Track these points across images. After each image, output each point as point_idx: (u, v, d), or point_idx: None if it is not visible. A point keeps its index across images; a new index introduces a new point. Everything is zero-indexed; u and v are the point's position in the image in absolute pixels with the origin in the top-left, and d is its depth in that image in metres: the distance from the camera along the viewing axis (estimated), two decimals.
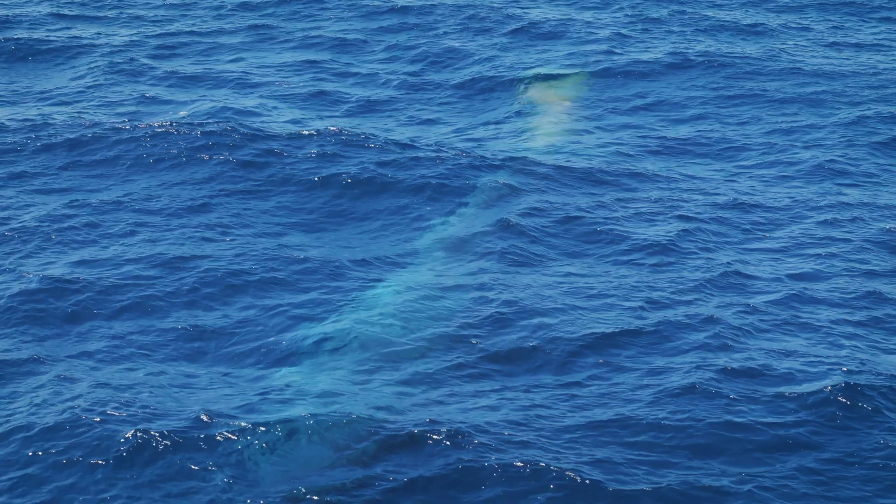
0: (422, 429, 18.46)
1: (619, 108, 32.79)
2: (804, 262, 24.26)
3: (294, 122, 31.41)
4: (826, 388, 19.54)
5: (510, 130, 31.35)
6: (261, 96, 33.25)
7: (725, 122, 31.69)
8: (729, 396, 19.49)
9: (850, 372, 20.14)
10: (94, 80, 33.93)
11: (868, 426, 18.84)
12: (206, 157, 28.35)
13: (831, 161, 29.10)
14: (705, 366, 20.36)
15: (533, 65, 35.54)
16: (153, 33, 38.46)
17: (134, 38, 37.83)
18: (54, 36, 37.71)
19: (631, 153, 29.74)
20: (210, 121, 30.53)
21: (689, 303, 22.43)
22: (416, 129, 31.50)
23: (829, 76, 34.59)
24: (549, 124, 31.70)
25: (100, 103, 32.30)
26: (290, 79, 34.67)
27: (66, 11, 40.45)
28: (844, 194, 27.49)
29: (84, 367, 20.50)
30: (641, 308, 22.22)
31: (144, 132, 29.32)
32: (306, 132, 30.25)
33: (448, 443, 18.23)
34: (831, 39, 38.34)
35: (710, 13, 40.99)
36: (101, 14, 40.49)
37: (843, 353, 20.90)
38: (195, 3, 41.79)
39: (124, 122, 30.38)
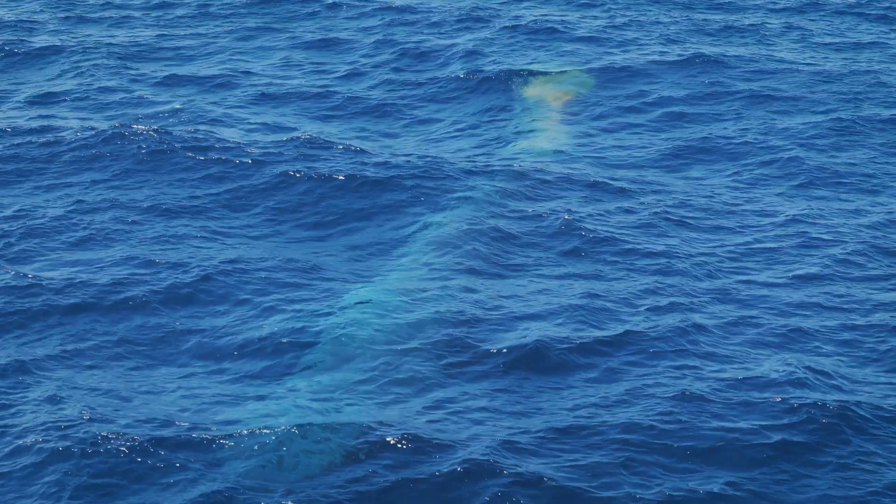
0: (406, 434, 18.33)
1: (615, 109, 32.59)
2: (799, 267, 23.96)
3: (282, 122, 31.25)
4: (817, 396, 19.39)
5: (503, 131, 31.17)
6: (248, 98, 33.07)
7: (722, 124, 31.44)
8: (717, 403, 19.31)
9: (841, 380, 20.00)
10: (78, 82, 33.74)
11: (856, 435, 18.69)
12: (188, 159, 28.12)
13: (830, 163, 28.90)
14: (692, 372, 20.20)
15: (527, 63, 35.37)
16: (138, 34, 38.32)
17: (117, 38, 37.63)
18: (40, 37, 37.56)
19: (625, 155, 29.52)
20: (194, 122, 30.40)
21: (678, 309, 22.20)
22: (407, 129, 31.32)
23: (828, 76, 34.43)
24: (543, 125, 31.53)
25: (81, 104, 32.09)
26: (279, 80, 34.46)
27: (52, 12, 40.28)
28: (842, 198, 27.25)
29: (61, 370, 20.38)
30: (630, 314, 22.01)
31: (126, 134, 29.07)
32: (293, 133, 30.13)
33: (431, 449, 18.11)
34: (829, 39, 38.17)
35: (707, 14, 40.82)
36: (88, 14, 40.30)
37: (832, 361, 20.74)
38: (182, 3, 41.54)
39: (105, 122, 30.18)
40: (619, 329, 21.38)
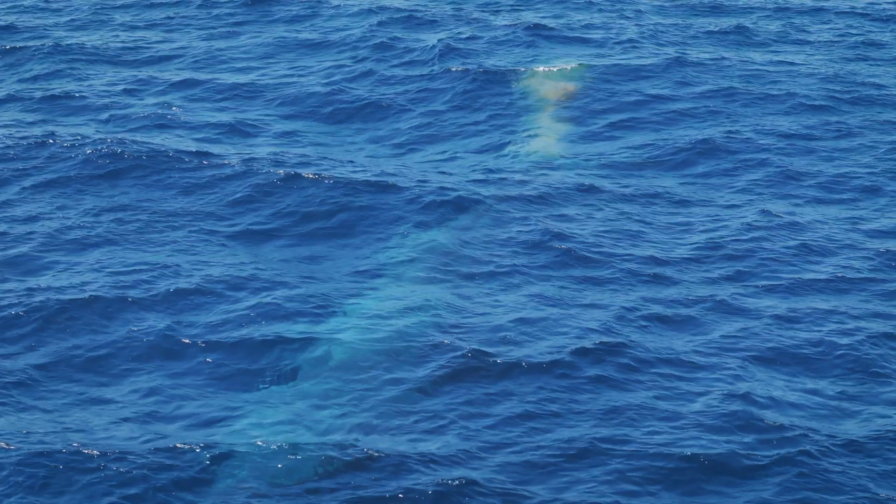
0: (389, 446, 18.28)
1: (610, 111, 32.32)
2: (794, 275, 23.66)
3: (270, 125, 30.98)
4: (797, 415, 19.28)
5: (496, 134, 30.89)
6: (237, 99, 32.77)
7: (718, 126, 31.13)
8: (701, 423, 19.11)
9: (829, 397, 19.87)
10: (55, 84, 33.46)
11: (841, 454, 18.49)
12: (167, 163, 27.81)
13: (828, 166, 28.64)
14: (679, 384, 20.04)
15: (521, 64, 35.10)
16: (118, 35, 38.03)
17: (94, 40, 37.31)
18: (14, 37, 37.24)
19: (620, 164, 29.15)
20: (173, 125, 30.19)
21: (669, 319, 21.98)
22: (397, 132, 30.94)
23: (826, 78, 34.25)
24: (536, 128, 31.29)
25: (60, 106, 31.82)
26: (269, 81, 34.15)
27: (28, 13, 40.05)
28: (841, 202, 26.95)
29: (42, 375, 20.22)
30: (619, 323, 21.76)
31: (100, 138, 28.77)
32: (283, 135, 29.89)
33: (414, 461, 18.03)
34: (827, 40, 38.00)
35: (704, 16, 40.71)
36: (65, 14, 40.04)
37: (820, 378, 20.57)
38: (163, 3, 41.26)
39: (83, 126, 29.98)
40: (609, 339, 21.13)
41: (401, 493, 17.38)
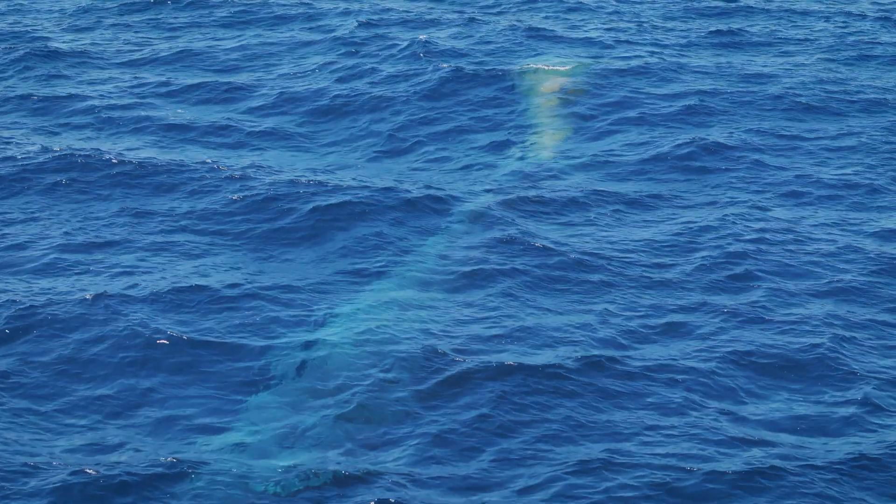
0: (377, 459, 18.15)
1: (609, 113, 32.17)
2: (792, 287, 23.37)
3: (259, 128, 30.78)
4: (772, 433, 19.03)
5: (492, 138, 30.67)
6: (218, 103, 32.54)
7: (715, 129, 30.96)
8: (694, 432, 18.95)
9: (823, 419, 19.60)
10: (30, 87, 33.17)
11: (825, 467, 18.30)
12: (153, 173, 27.53)
13: (834, 171, 28.36)
14: (670, 394, 19.85)
15: (520, 64, 34.99)
16: (103, 39, 37.88)
17: (76, 44, 37.15)
18: None
19: (618, 164, 28.94)
20: (152, 131, 29.99)
21: (661, 330, 21.74)
22: (390, 137, 30.68)
23: (830, 80, 34.06)
24: (533, 132, 31.12)
25: (35, 115, 31.46)
26: (254, 83, 33.92)
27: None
28: (846, 207, 26.74)
29: (18, 387, 19.94)
30: (609, 335, 21.53)
31: (87, 147, 28.49)
32: (271, 141, 29.74)
33: (399, 480, 17.80)
34: (828, 42, 37.89)
35: (701, 18, 40.64)
36: (42, 14, 39.82)
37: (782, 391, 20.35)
38: (148, 6, 41.08)
39: (64, 135, 29.72)
40: (603, 344, 21.01)
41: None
